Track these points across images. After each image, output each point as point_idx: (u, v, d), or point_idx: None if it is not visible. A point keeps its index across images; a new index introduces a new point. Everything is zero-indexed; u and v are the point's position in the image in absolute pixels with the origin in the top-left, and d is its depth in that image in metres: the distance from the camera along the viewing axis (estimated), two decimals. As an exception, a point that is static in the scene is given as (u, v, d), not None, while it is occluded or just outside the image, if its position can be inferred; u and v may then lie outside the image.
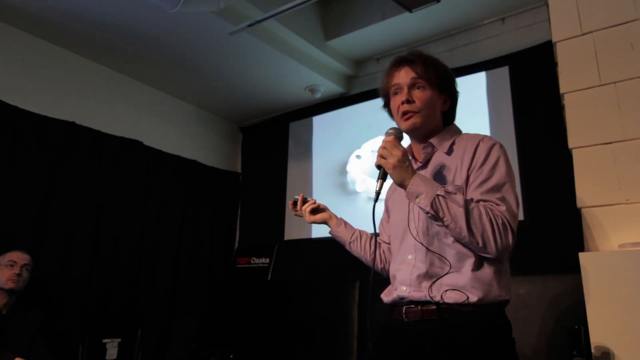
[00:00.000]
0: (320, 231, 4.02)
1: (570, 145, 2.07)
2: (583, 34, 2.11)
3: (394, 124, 1.44)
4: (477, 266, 1.24)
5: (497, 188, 1.25)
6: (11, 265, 2.59)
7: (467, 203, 1.21)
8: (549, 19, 2.25)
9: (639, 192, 1.87)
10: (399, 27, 3.51)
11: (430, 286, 1.26)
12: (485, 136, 1.35)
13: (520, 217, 3.01)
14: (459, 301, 1.22)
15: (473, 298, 1.22)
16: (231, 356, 3.40)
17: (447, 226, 1.21)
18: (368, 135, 3.86)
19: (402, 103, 1.37)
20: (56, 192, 3.21)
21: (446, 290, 1.24)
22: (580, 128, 2.05)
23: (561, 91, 2.14)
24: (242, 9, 3.10)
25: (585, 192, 1.99)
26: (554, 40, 2.21)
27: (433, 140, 1.40)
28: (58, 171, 3.24)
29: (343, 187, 3.98)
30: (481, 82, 3.42)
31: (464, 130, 1.46)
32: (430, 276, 1.27)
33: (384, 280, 1.53)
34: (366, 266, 2.04)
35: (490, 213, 1.20)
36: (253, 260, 4.31)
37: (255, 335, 3.57)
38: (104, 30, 3.23)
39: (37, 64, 3.31)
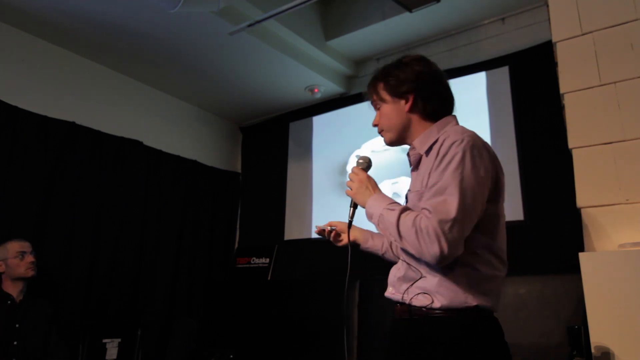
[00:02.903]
0: (320, 231, 4.02)
1: (570, 145, 2.07)
2: (583, 34, 2.11)
3: None
4: (444, 272, 1.23)
5: (440, 192, 1.19)
6: (22, 255, 2.63)
7: (399, 216, 1.22)
8: (549, 19, 2.26)
9: (639, 192, 1.87)
10: (399, 27, 3.51)
11: (407, 289, 1.29)
12: (453, 132, 1.28)
13: (520, 217, 3.02)
14: (425, 304, 1.24)
15: (437, 303, 1.22)
16: (231, 356, 3.40)
17: (393, 240, 1.28)
18: (368, 135, 3.86)
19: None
20: (56, 192, 3.21)
21: (417, 294, 1.26)
22: (580, 128, 2.05)
23: (561, 91, 2.14)
24: (242, 9, 3.10)
25: (585, 192, 1.99)
26: (554, 40, 2.21)
27: (415, 143, 1.39)
28: (58, 171, 3.24)
29: (343, 187, 3.98)
30: (481, 82, 3.42)
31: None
32: (407, 279, 1.30)
33: (383, 280, 1.53)
34: (366, 266, 2.04)
35: (417, 222, 1.18)
36: (253, 260, 4.31)
37: (255, 335, 3.57)
38: (104, 30, 3.23)
39: (37, 64, 3.31)
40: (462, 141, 1.22)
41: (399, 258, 1.40)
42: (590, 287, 1.80)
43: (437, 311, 1.22)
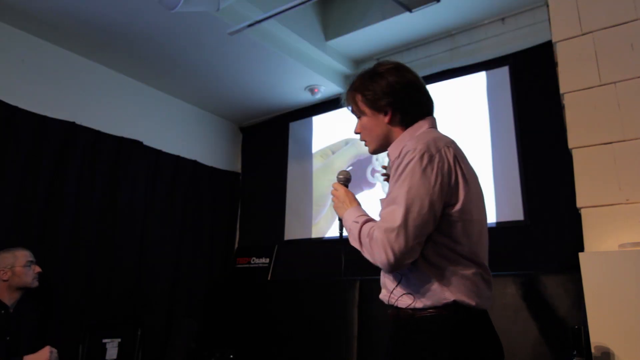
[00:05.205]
0: (320, 231, 4.02)
1: (570, 145, 2.07)
2: (583, 34, 2.12)
3: None
4: (419, 271, 1.27)
5: (390, 201, 1.26)
6: (29, 265, 2.58)
7: (361, 227, 1.31)
8: (549, 19, 2.26)
9: (639, 192, 1.87)
10: (399, 27, 3.51)
11: (393, 290, 1.33)
12: (413, 141, 1.32)
13: (520, 217, 3.02)
14: (409, 305, 1.28)
15: (419, 303, 1.26)
16: (231, 356, 3.40)
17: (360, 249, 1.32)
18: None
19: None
20: (56, 192, 3.21)
21: (402, 295, 1.30)
22: (580, 128, 2.05)
23: (561, 91, 2.14)
24: (242, 9, 3.10)
25: (585, 192, 1.99)
26: (554, 40, 2.21)
27: (389, 150, 1.44)
28: (58, 171, 3.24)
29: (343, 187, 3.98)
30: (481, 82, 3.42)
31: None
32: (391, 281, 1.34)
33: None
34: (366, 266, 2.04)
35: (371, 232, 1.26)
36: (253, 260, 4.31)
37: (256, 335, 3.57)
38: (104, 30, 3.23)
39: (37, 64, 3.31)
40: (414, 150, 1.27)
41: None
42: (590, 287, 1.80)
43: (421, 311, 1.26)
